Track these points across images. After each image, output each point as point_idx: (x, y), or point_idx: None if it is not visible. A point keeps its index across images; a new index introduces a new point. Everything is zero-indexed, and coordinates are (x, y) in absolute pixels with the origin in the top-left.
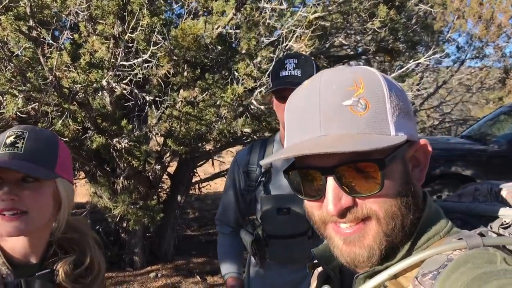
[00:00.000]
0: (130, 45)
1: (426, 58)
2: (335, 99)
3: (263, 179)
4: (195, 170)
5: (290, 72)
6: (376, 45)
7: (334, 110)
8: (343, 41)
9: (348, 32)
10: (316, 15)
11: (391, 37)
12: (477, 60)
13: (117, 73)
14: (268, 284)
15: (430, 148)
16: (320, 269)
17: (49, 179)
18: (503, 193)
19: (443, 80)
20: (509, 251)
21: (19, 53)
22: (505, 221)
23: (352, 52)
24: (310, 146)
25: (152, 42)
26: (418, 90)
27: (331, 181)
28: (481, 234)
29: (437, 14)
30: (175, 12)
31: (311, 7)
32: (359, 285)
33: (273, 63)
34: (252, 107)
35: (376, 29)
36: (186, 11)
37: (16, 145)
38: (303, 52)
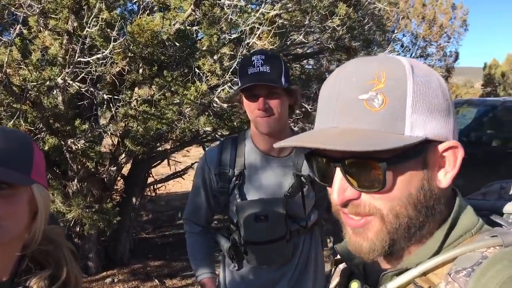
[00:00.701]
0: (85, 41)
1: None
2: (352, 92)
3: (238, 181)
4: (149, 171)
5: (259, 69)
6: (334, 44)
7: (349, 103)
8: (303, 39)
9: (308, 30)
10: (274, 12)
11: (348, 35)
12: (421, 59)
13: (74, 70)
14: (246, 284)
15: (462, 151)
16: (342, 266)
17: (25, 185)
18: None
19: None
20: None
21: None
22: None
23: (310, 50)
24: (315, 137)
25: (112, 38)
26: None
27: (338, 172)
28: None
29: (386, 13)
30: (127, 8)
31: (270, 4)
32: (386, 281)
33: (237, 60)
34: (214, 105)
35: (336, 27)
36: (141, 6)
37: None
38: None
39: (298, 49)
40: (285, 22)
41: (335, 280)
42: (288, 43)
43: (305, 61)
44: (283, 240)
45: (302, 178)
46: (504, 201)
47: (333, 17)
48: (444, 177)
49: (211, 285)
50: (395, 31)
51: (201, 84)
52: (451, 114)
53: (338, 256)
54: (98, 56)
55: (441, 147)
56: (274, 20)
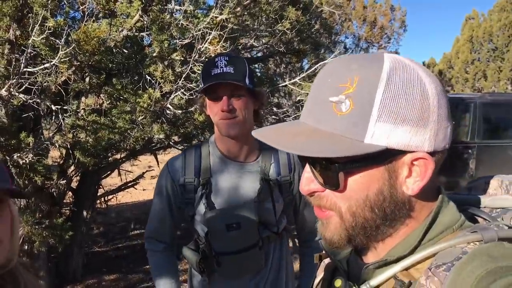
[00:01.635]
0: (29, 50)
1: (332, 58)
2: (325, 92)
3: (204, 191)
4: (99, 183)
5: (222, 70)
6: (285, 47)
7: (319, 102)
8: (254, 43)
9: (258, 34)
10: (223, 16)
11: (297, 38)
12: None
13: (19, 81)
14: None
15: (432, 164)
16: (326, 260)
17: (14, 197)
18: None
19: None
20: None
21: None
22: None
23: (260, 54)
24: (276, 134)
25: (60, 47)
26: None
27: (307, 164)
28: (496, 227)
29: (332, 16)
30: (69, 15)
31: (218, 10)
32: (367, 276)
33: (189, 66)
34: (168, 111)
35: (286, 30)
36: (86, 13)
37: None
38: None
39: (248, 53)
40: (235, 27)
41: (319, 275)
42: (240, 47)
43: (255, 64)
44: (256, 248)
45: (270, 182)
46: (488, 196)
47: (283, 20)
48: (412, 185)
49: None
50: (339, 33)
51: (154, 91)
52: (431, 123)
53: (323, 252)
54: (46, 65)
55: (408, 157)
56: (225, 25)
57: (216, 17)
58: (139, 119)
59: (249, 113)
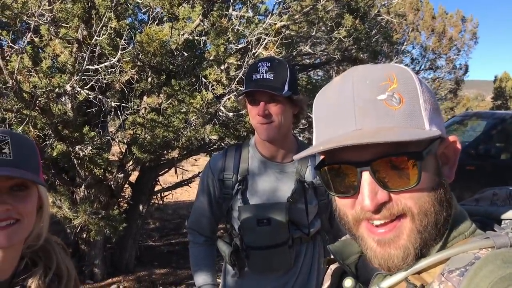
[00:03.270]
0: (95, 49)
1: None
2: (369, 93)
3: (241, 187)
4: (157, 179)
5: (263, 76)
6: (341, 54)
7: (369, 104)
8: (310, 50)
9: (315, 41)
10: (282, 23)
11: (355, 46)
12: (430, 72)
13: (82, 77)
14: None
15: (459, 146)
16: (333, 266)
17: (40, 184)
18: None
19: None
20: None
21: None
22: None
23: (317, 61)
24: (348, 138)
25: (120, 47)
26: None
27: (366, 176)
28: (508, 234)
29: (394, 25)
30: (137, 18)
31: (277, 16)
32: (378, 281)
33: (243, 70)
34: (220, 114)
35: (342, 38)
36: (150, 16)
37: (3, 151)
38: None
39: (306, 60)
40: (292, 33)
41: (327, 281)
42: (295, 53)
43: (312, 71)
44: (285, 246)
45: (305, 184)
46: (497, 207)
47: (339, 28)
48: (449, 172)
49: None
50: (405, 43)
51: (207, 93)
52: (441, 112)
53: (331, 256)
54: (106, 64)
55: (445, 143)
56: (281, 31)
57: (275, 24)
58: (192, 119)
59: (285, 118)
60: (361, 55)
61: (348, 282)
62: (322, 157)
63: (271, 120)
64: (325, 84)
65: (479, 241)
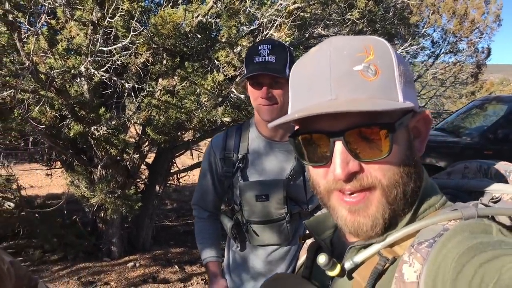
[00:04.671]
0: (109, 31)
1: (402, 50)
2: (345, 64)
3: (241, 165)
4: (173, 161)
5: (264, 58)
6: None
7: (344, 74)
8: (322, 32)
9: (327, 22)
10: (296, 5)
11: (369, 28)
12: (451, 55)
13: (96, 59)
14: (249, 265)
15: (431, 118)
16: (309, 241)
17: None
18: (492, 170)
19: (417, 74)
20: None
21: None
22: (495, 196)
23: None
24: (322, 107)
25: (132, 29)
26: None
27: (339, 145)
28: (475, 206)
29: (413, 7)
30: (153, 1)
31: None
32: (352, 254)
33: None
34: (232, 95)
35: (355, 20)
36: None
37: None
38: (283, 42)
39: (319, 42)
40: (306, 15)
41: (303, 256)
42: (307, 35)
43: None
44: (283, 221)
45: None
46: (468, 180)
47: (352, 10)
48: (420, 145)
49: (215, 268)
50: (425, 26)
51: (218, 75)
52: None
53: (307, 232)
54: (118, 45)
55: (417, 116)
56: (293, 13)
57: (288, 5)
58: (203, 100)
59: (286, 99)
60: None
61: (322, 258)
62: (296, 127)
63: (274, 102)
64: None
65: (447, 213)
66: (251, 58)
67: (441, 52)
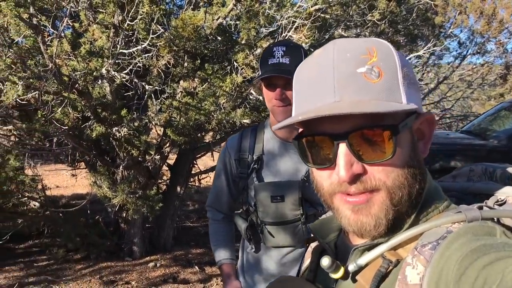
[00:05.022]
0: (130, 34)
1: (425, 51)
2: (349, 66)
3: (256, 166)
4: (194, 162)
5: (279, 60)
6: (376, 38)
7: (348, 76)
8: (343, 33)
9: (348, 24)
10: (317, 7)
11: (390, 29)
12: (478, 56)
13: (117, 61)
14: (262, 267)
15: (434, 120)
16: (314, 245)
17: None
18: (498, 173)
19: (444, 76)
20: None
21: (19, 41)
22: (500, 198)
23: None
24: (325, 110)
25: (151, 31)
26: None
27: (343, 147)
28: (479, 208)
29: (438, 8)
30: (175, 3)
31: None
32: (355, 257)
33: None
34: (251, 97)
35: (376, 21)
36: (187, 1)
37: None
38: (303, 44)
39: None
40: (326, 16)
41: (307, 259)
42: (327, 36)
43: None
44: (298, 222)
45: None
46: (473, 183)
47: (373, 11)
48: (424, 147)
49: (229, 270)
50: (451, 27)
51: (236, 76)
52: (418, 88)
53: (311, 235)
54: (138, 48)
55: (421, 118)
56: (313, 14)
57: (305, 8)
58: (222, 102)
59: None
60: (398, 38)
61: (325, 260)
62: (300, 129)
63: (288, 103)
64: None
65: (451, 216)
66: (266, 59)
67: (468, 53)
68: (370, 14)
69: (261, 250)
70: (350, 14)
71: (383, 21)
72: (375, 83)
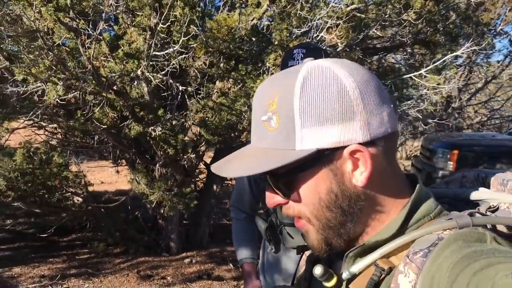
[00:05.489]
0: (166, 36)
1: (463, 50)
2: (258, 113)
3: None
4: None
5: (298, 62)
6: (413, 37)
7: (256, 123)
8: (378, 33)
9: (383, 23)
10: (353, 6)
11: (428, 29)
12: None
13: (151, 63)
14: (282, 267)
15: (367, 152)
16: (308, 253)
17: None
18: (490, 179)
19: (492, 75)
20: (495, 231)
21: (60, 43)
22: (492, 205)
23: (389, 44)
24: (229, 161)
25: (183, 33)
26: (465, 84)
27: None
28: (471, 215)
29: (487, 4)
30: (214, 5)
31: None
32: (349, 263)
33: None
34: None
35: (412, 21)
36: (223, 3)
37: None
38: (338, 43)
39: (375, 43)
40: (362, 16)
41: (302, 267)
42: (361, 36)
43: (386, 55)
44: None
45: None
46: (465, 189)
47: (408, 10)
48: (360, 177)
49: (250, 268)
50: (501, 24)
51: (267, 77)
52: (358, 115)
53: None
54: (171, 50)
55: (346, 152)
56: (348, 14)
57: (341, 8)
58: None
59: None
60: (437, 38)
61: (318, 269)
62: None
63: None
64: (393, 68)
65: (442, 222)
66: (286, 62)
67: None
68: (405, 14)
69: (281, 250)
70: (387, 13)
71: (420, 20)
72: (272, 131)
